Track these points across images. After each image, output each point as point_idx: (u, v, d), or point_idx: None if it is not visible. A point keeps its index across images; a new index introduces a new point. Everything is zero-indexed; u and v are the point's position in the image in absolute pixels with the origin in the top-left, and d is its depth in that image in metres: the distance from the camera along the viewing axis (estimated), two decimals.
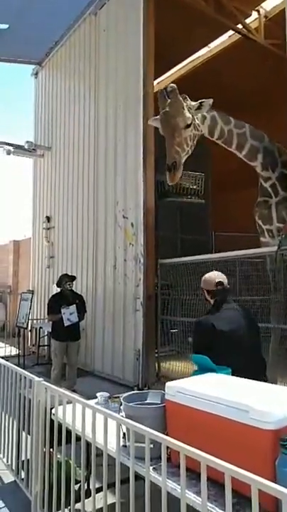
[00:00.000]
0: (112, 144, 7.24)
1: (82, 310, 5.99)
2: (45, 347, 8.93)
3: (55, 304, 5.92)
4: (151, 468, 1.98)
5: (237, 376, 2.28)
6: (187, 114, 3.98)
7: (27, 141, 9.34)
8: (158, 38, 6.61)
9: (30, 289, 10.09)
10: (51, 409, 2.81)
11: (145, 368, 6.26)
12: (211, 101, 4.24)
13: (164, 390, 2.16)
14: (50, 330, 8.45)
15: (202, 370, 2.43)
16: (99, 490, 2.37)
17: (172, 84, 4.10)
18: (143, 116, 6.42)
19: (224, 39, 9.04)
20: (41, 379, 3.02)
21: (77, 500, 2.50)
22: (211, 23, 7.72)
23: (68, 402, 2.58)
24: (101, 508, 2.27)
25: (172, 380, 6.21)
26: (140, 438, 2.01)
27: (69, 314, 5.80)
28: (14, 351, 9.07)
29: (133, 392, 2.40)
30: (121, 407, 2.27)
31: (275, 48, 8.26)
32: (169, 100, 3.95)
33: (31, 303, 8.94)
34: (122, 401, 2.27)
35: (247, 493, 1.65)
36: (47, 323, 8.83)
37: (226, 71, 8.99)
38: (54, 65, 9.67)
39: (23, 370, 3.32)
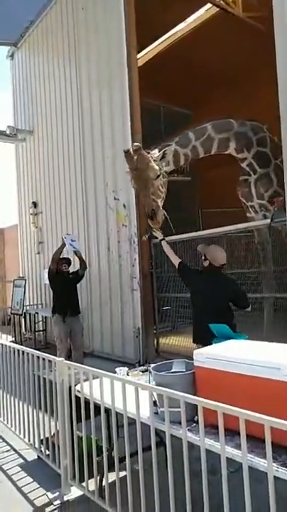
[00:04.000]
0: (98, 124, 7.20)
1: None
2: (41, 332, 9.00)
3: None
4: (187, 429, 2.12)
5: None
6: (156, 166, 4.26)
7: (8, 126, 9.15)
8: (135, 13, 6.54)
9: (21, 275, 10.07)
10: (75, 386, 2.92)
11: (144, 344, 6.43)
12: (173, 148, 4.58)
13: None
14: (45, 315, 8.55)
15: (222, 337, 2.57)
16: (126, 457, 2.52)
17: (136, 143, 4.44)
18: (129, 94, 6.40)
19: (202, 13, 8.98)
20: (62, 358, 3.11)
21: (109, 468, 2.66)
22: None
23: (94, 378, 2.70)
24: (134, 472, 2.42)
25: (171, 354, 6.40)
26: (173, 403, 2.15)
27: (70, 240, 5.89)
28: (8, 339, 9.09)
29: (161, 362, 2.52)
30: (151, 377, 2.39)
31: (253, 20, 8.26)
32: (136, 157, 4.22)
33: (25, 289, 8.94)
34: (152, 370, 2.40)
35: (282, 441, 1.83)
36: (43, 308, 8.90)
37: (204, 46, 8.94)
38: (31, 46, 9.41)
39: (41, 353, 3.41)
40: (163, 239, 4.20)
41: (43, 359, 3.34)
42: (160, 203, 4.40)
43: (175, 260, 4.01)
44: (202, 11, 8.91)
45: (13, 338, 8.97)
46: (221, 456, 1.89)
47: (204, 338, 3.18)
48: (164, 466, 2.34)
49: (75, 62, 7.74)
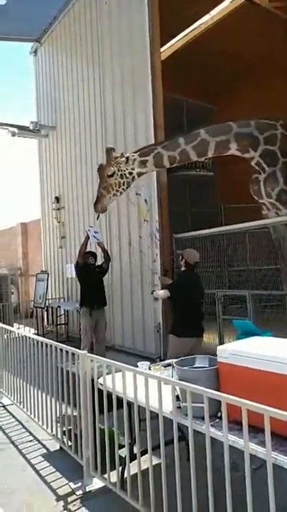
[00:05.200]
0: (121, 119, 7.19)
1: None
2: (63, 325, 9.12)
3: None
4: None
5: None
6: (111, 168, 5.10)
7: (31, 122, 9.25)
8: (159, 6, 6.48)
9: (43, 269, 10.21)
10: (98, 378, 2.95)
11: (166, 340, 6.43)
12: (131, 156, 5.14)
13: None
14: (67, 308, 8.65)
15: (246, 334, 2.54)
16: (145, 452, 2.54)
17: (109, 145, 5.62)
18: (152, 88, 6.36)
19: (226, 4, 8.82)
20: (85, 351, 3.15)
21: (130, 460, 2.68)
22: None
23: (117, 371, 2.72)
24: (155, 466, 2.44)
25: None
26: (195, 398, 2.15)
27: (93, 232, 6.17)
28: (31, 332, 9.22)
29: (184, 357, 2.52)
30: (174, 371, 2.39)
31: (280, 11, 8.07)
32: (106, 156, 5.21)
33: (47, 283, 9.07)
34: (175, 365, 2.40)
35: None
36: (65, 302, 9.01)
37: (229, 39, 8.79)
38: (54, 41, 9.47)
39: (65, 345, 3.46)
40: (153, 291, 5.52)
41: (67, 352, 3.38)
42: (113, 196, 5.25)
43: (166, 292, 4.50)
44: (226, 2, 8.76)
45: (36, 331, 9.12)
46: (245, 453, 1.88)
47: (197, 331, 4.36)
48: (185, 459, 2.34)
49: (98, 57, 7.75)
